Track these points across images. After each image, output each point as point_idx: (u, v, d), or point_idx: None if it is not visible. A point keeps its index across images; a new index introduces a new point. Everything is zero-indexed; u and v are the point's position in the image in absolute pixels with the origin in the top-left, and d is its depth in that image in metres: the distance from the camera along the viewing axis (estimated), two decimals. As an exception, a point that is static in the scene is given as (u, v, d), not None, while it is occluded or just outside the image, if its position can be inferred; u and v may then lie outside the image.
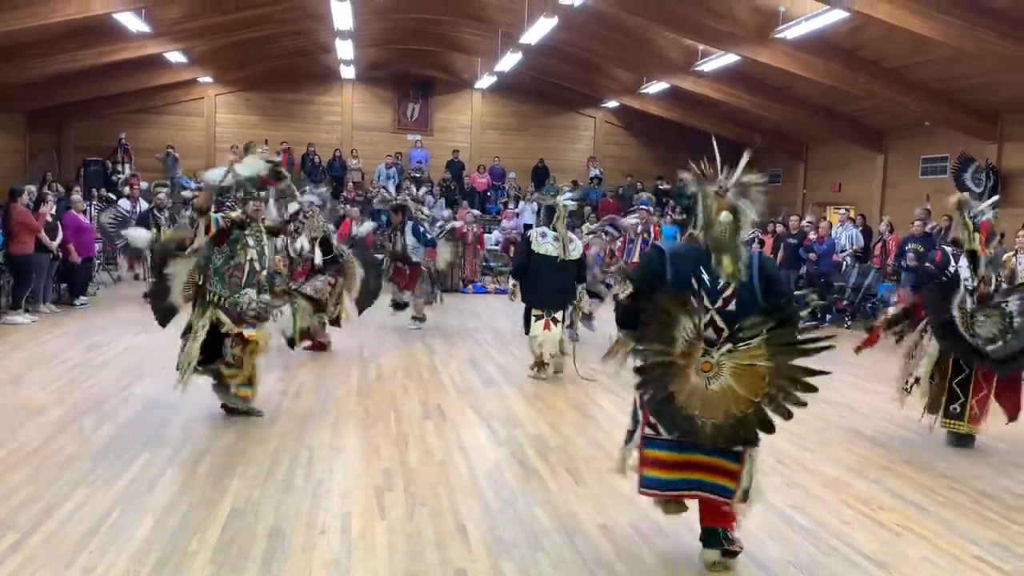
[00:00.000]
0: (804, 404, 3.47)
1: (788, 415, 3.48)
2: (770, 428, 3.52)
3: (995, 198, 6.72)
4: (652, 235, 12.24)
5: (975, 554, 4.12)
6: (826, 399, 7.56)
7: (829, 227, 13.80)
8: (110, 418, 5.95)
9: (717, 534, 3.77)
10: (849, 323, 12.81)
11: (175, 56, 16.71)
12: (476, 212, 18.24)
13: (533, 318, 7.95)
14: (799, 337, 3.49)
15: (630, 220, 12.16)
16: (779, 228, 14.42)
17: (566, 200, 8.09)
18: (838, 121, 16.60)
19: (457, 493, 4.68)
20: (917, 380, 6.28)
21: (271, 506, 4.36)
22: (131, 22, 13.22)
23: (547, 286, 7.80)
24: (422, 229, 10.58)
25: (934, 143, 14.87)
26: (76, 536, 3.88)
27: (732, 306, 3.59)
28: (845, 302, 13.02)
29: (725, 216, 3.59)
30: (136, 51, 15.05)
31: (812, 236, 13.32)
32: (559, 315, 7.87)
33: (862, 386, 8.12)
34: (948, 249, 6.76)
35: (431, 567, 3.73)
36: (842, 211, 15.64)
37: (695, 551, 3.99)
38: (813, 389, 3.46)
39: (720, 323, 3.57)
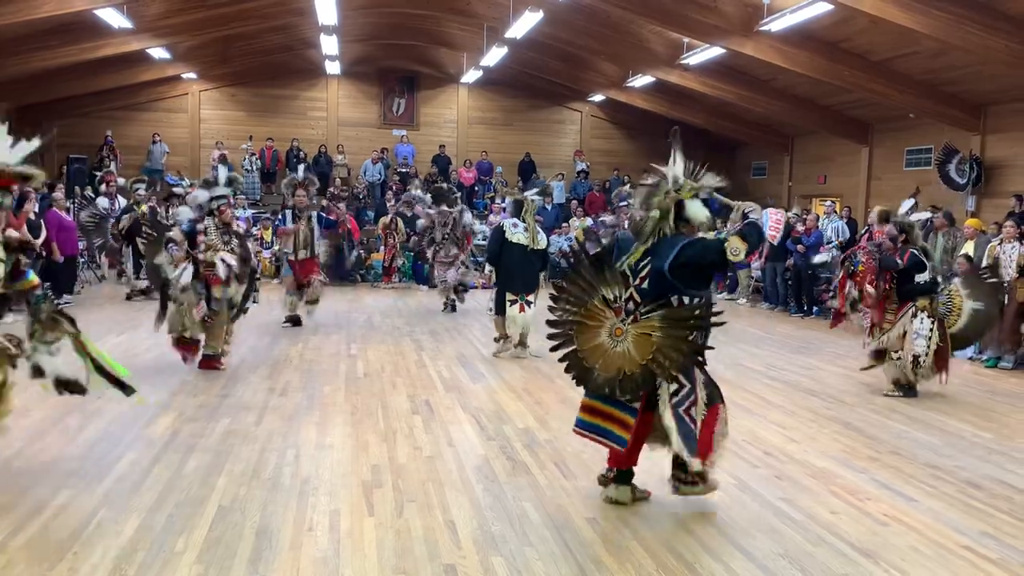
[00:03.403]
0: (683, 370, 4.17)
1: (670, 377, 4.18)
2: (650, 385, 4.22)
3: (913, 202, 8.27)
4: None
5: (963, 543, 4.13)
6: (813, 390, 7.62)
7: (816, 219, 13.84)
8: (94, 418, 5.90)
9: (608, 474, 4.53)
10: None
11: (158, 52, 16.60)
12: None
13: (507, 302, 8.60)
14: (692, 313, 4.17)
15: (610, 218, 12.75)
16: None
17: (532, 195, 9.03)
18: (823, 114, 16.65)
19: (446, 488, 4.67)
20: (915, 358, 7.22)
21: (258, 504, 4.33)
22: (113, 18, 13.11)
23: (518, 272, 8.61)
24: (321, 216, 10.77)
25: (918, 135, 14.94)
26: (60, 537, 3.84)
27: (646, 284, 4.27)
28: (831, 294, 13.07)
29: (654, 212, 4.31)
30: (119, 47, 14.94)
31: (799, 228, 13.37)
32: (531, 297, 8.62)
33: (849, 376, 8.15)
34: (916, 252, 7.41)
35: (420, 563, 3.71)
36: (828, 203, 15.69)
37: (684, 543, 4.01)
38: (697, 359, 4.26)
39: (637, 297, 4.27)
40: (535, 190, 9.41)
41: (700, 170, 4.43)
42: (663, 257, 4.22)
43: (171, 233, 7.44)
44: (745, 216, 4.42)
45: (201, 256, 7.39)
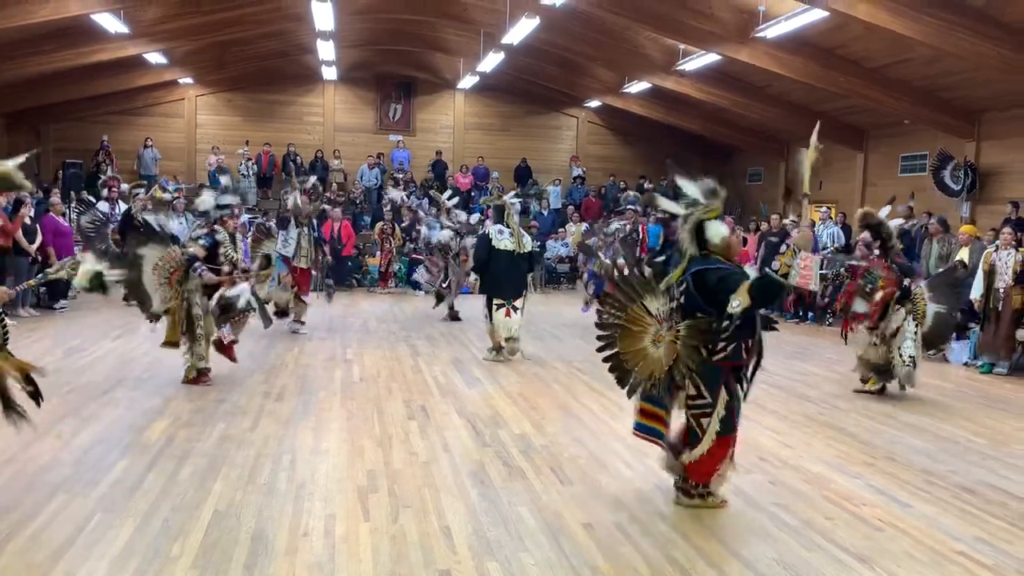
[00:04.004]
0: (693, 372, 4.37)
1: (682, 377, 4.42)
2: (671, 390, 4.50)
3: (889, 209, 8.00)
4: (640, 234, 12.29)
5: (957, 549, 4.15)
6: (807, 395, 7.63)
7: (812, 225, 13.84)
8: (90, 422, 5.89)
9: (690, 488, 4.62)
10: (831, 320, 12.90)
11: (155, 57, 16.59)
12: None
13: (495, 307, 8.67)
14: (708, 326, 4.37)
15: (616, 223, 12.68)
16: (763, 226, 14.47)
17: (510, 198, 9.10)
18: (819, 120, 16.66)
19: (441, 494, 4.67)
20: (912, 358, 7.35)
21: (254, 509, 4.33)
22: (109, 23, 13.11)
23: (505, 278, 8.69)
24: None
25: (913, 141, 14.98)
26: (55, 543, 3.83)
27: (682, 300, 4.49)
28: (826, 300, 13.09)
29: (686, 233, 4.47)
30: (115, 52, 14.93)
31: (794, 235, 13.37)
32: (518, 303, 8.70)
33: (843, 382, 8.17)
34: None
35: (415, 568, 3.72)
36: (823, 209, 15.71)
37: (679, 549, 4.02)
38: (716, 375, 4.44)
39: (676, 312, 4.49)
40: (512, 193, 9.49)
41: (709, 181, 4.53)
42: (684, 278, 4.46)
43: (192, 250, 7.07)
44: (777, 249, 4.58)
45: (225, 268, 7.20)
